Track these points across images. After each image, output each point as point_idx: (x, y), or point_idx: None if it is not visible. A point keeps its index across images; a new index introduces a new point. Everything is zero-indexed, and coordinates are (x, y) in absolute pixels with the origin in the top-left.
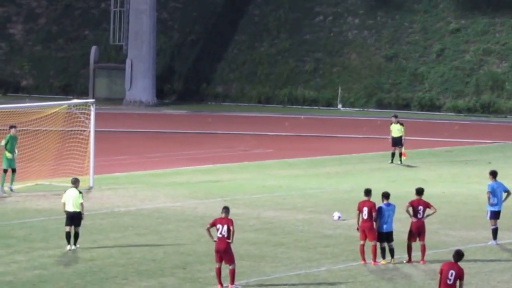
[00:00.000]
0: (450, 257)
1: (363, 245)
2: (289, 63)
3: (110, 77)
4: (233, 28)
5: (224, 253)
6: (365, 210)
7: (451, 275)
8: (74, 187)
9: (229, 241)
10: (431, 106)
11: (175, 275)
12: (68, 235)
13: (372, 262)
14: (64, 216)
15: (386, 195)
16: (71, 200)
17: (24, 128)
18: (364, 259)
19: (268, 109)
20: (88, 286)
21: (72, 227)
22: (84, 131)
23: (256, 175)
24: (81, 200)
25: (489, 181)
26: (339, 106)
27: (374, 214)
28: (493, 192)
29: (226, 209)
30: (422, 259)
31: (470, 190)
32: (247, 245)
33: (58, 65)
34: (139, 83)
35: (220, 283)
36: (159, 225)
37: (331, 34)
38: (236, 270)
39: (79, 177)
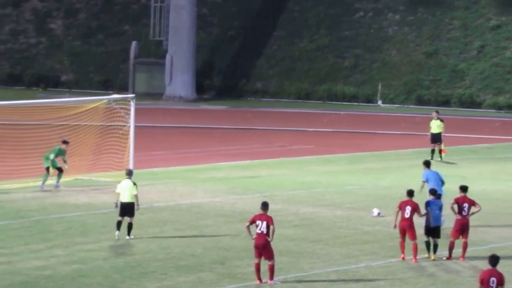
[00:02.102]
0: (488, 254)
1: (403, 241)
2: (328, 59)
3: (150, 72)
4: (272, 24)
5: (263, 249)
6: (408, 209)
7: (493, 283)
8: (128, 178)
9: (269, 238)
10: (471, 103)
11: (213, 270)
12: (119, 223)
13: (413, 259)
14: (111, 207)
15: (433, 192)
16: (126, 191)
17: (63, 123)
18: (403, 252)
19: (307, 105)
20: (126, 281)
21: (125, 217)
22: (124, 126)
23: (294, 171)
24: (135, 192)
25: None
26: (379, 102)
27: (419, 212)
28: None
29: (264, 205)
30: (463, 256)
31: (510, 188)
32: (286, 241)
33: (98, 60)
34: (179, 79)
35: (259, 279)
36: (198, 220)
37: (371, 30)
38: (275, 266)
39: (120, 172)
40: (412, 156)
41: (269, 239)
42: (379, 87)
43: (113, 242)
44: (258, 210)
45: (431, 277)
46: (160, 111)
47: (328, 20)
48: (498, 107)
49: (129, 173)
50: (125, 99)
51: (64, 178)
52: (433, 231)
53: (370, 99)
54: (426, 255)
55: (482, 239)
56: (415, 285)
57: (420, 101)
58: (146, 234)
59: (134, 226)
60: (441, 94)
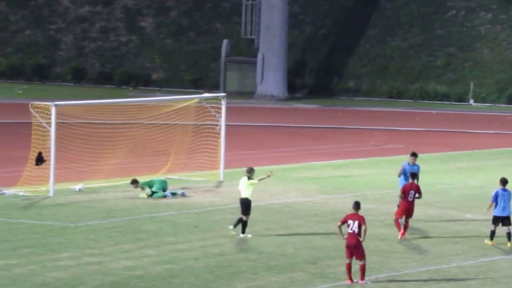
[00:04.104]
0: None
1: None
2: (420, 57)
3: (241, 71)
4: (364, 22)
5: (355, 248)
6: (412, 193)
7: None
8: (246, 175)
9: (360, 238)
10: None
11: (305, 270)
12: (239, 220)
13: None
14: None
15: (503, 181)
16: (241, 188)
17: (154, 122)
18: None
19: (399, 104)
20: (218, 281)
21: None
22: (215, 125)
23: (386, 170)
24: (247, 188)
25: None
26: (471, 101)
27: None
28: None
29: (356, 205)
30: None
31: None
32: (377, 241)
33: (189, 59)
34: (270, 77)
35: (350, 279)
36: (289, 220)
37: (464, 29)
38: (367, 266)
39: (211, 172)
40: (505, 155)
41: (360, 239)
42: (471, 86)
43: (204, 242)
44: (349, 210)
45: None
46: (251, 110)
47: (421, 19)
48: None
49: (248, 171)
50: (216, 98)
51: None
52: (502, 220)
53: (462, 98)
54: (490, 243)
55: None
56: (507, 285)
57: None
58: (238, 234)
59: (224, 226)
60: None
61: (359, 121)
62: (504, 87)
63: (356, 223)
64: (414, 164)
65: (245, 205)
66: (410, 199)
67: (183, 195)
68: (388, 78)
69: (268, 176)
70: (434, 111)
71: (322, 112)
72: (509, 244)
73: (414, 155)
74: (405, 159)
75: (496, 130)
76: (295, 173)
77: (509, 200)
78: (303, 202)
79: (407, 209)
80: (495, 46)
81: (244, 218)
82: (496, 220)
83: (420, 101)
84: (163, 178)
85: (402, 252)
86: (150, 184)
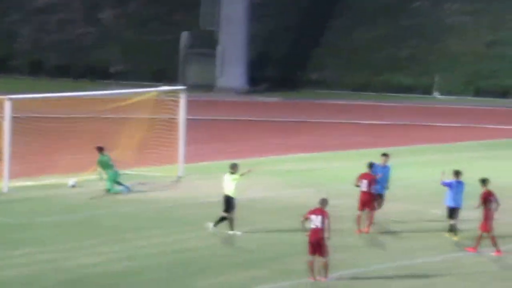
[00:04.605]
0: None
1: (360, 216)
2: (386, 49)
3: (201, 64)
4: (329, 13)
5: (318, 245)
6: (364, 182)
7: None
8: (230, 171)
9: (326, 235)
10: None
11: (267, 267)
12: (221, 219)
13: (365, 229)
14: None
15: (457, 173)
16: (225, 185)
17: (111, 116)
18: (359, 229)
19: (364, 96)
20: (178, 279)
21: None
22: (174, 119)
23: (352, 164)
24: (230, 184)
25: None
26: (435, 93)
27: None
28: None
29: (323, 201)
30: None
31: None
32: (343, 237)
33: (149, 51)
34: (231, 70)
35: (313, 276)
36: (252, 216)
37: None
38: (330, 263)
39: (170, 166)
40: (472, 148)
41: (325, 235)
42: (436, 78)
43: (165, 238)
44: (315, 205)
45: (491, 274)
46: (211, 103)
47: (386, 9)
48: None
49: (231, 167)
50: (175, 91)
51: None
52: (452, 212)
53: (428, 91)
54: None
55: None
56: (473, 282)
57: (479, 93)
58: (197, 230)
59: (186, 222)
60: (501, 85)
61: (323, 114)
62: (471, 79)
63: (319, 218)
64: (385, 165)
65: (228, 202)
66: (364, 189)
67: (128, 189)
68: (353, 70)
69: (250, 171)
70: (400, 104)
71: (285, 105)
72: (447, 234)
73: (385, 155)
74: (371, 152)
75: (464, 123)
76: (258, 167)
77: (462, 192)
78: (267, 197)
79: (362, 201)
80: (462, 37)
81: (226, 215)
82: (449, 212)
83: (385, 93)
84: (116, 170)
85: (366, 248)
86: (106, 166)
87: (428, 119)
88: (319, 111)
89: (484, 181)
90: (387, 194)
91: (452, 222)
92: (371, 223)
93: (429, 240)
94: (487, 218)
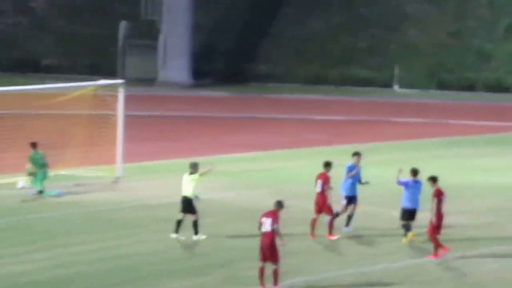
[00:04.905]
0: None
1: (315, 219)
2: (341, 39)
3: (141, 56)
4: (279, 1)
5: (268, 250)
6: (319, 182)
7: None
8: (189, 171)
9: (279, 241)
10: (499, 88)
11: (214, 274)
12: (178, 222)
13: (328, 236)
14: None
15: (414, 172)
16: (184, 185)
17: (45, 112)
18: (313, 233)
19: (318, 90)
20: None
21: (187, 215)
22: (112, 115)
23: (306, 163)
24: (189, 185)
25: None
26: (395, 87)
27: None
28: None
29: (278, 203)
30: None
31: None
32: (296, 241)
33: (85, 42)
34: (174, 63)
35: (262, 284)
36: (203, 219)
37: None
38: (281, 269)
39: (108, 167)
40: (435, 146)
41: (279, 242)
42: (396, 70)
43: (101, 244)
44: (267, 207)
45: (453, 280)
46: (153, 99)
47: None
48: None
49: (191, 166)
50: (113, 86)
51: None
52: (410, 214)
53: (387, 84)
54: (409, 236)
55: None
56: None
57: (442, 86)
58: (138, 235)
59: (127, 226)
60: (465, 77)
61: (274, 109)
62: (434, 72)
63: (269, 221)
64: (357, 165)
65: (187, 203)
66: (317, 190)
67: (59, 195)
68: (305, 62)
69: (210, 170)
70: (356, 99)
71: (233, 100)
72: (404, 240)
73: (357, 154)
74: (326, 151)
75: (426, 118)
76: (203, 167)
77: (419, 192)
78: (213, 199)
79: (317, 204)
80: (423, 27)
81: (182, 217)
82: (405, 214)
83: (341, 87)
84: (46, 170)
85: (321, 254)
86: (36, 164)
87: (387, 115)
88: (269, 106)
89: (434, 179)
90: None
91: (403, 222)
92: (330, 228)
93: (389, 245)
94: (438, 219)
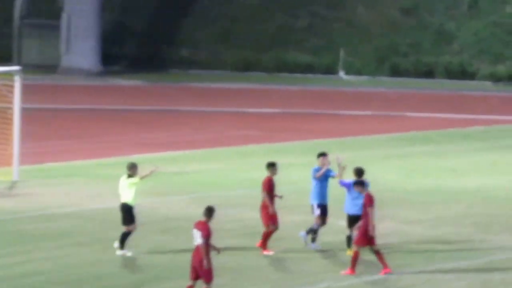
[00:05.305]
0: (489, 267)
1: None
2: (276, 18)
3: (42, 38)
4: None
5: (200, 267)
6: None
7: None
8: (127, 174)
9: (205, 255)
10: (462, 74)
11: None
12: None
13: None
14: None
15: (359, 172)
16: (122, 191)
17: None
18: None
19: (248, 78)
20: None
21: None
22: (7, 108)
23: (234, 165)
24: (127, 190)
25: None
26: (341, 73)
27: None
28: None
29: (208, 211)
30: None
31: None
32: (226, 256)
33: None
34: (79, 46)
35: None
36: (106, 231)
37: None
38: None
39: (2, 169)
40: (389, 143)
41: (204, 254)
42: (341, 54)
43: (3, 261)
44: (189, 216)
45: None
46: (55, 89)
47: None
48: (496, 78)
49: (129, 168)
50: (8, 73)
51: None
52: (354, 221)
53: (331, 70)
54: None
55: (477, 249)
56: None
57: (396, 72)
58: (38, 250)
59: (21, 240)
60: (423, 62)
61: (197, 101)
62: (385, 56)
63: (199, 234)
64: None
65: (126, 212)
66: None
67: None
68: (233, 46)
69: (152, 172)
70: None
71: (149, 90)
72: (348, 252)
73: (323, 155)
74: (257, 150)
75: (377, 110)
76: (113, 169)
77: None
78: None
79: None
80: (372, 3)
81: (126, 229)
82: (349, 221)
83: (277, 74)
84: None
85: (256, 271)
86: None
87: (331, 106)
88: (191, 97)
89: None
90: (278, 201)
91: (348, 233)
92: (265, 238)
93: (335, 259)
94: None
